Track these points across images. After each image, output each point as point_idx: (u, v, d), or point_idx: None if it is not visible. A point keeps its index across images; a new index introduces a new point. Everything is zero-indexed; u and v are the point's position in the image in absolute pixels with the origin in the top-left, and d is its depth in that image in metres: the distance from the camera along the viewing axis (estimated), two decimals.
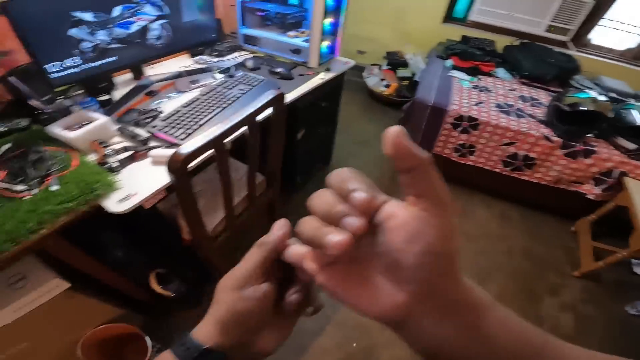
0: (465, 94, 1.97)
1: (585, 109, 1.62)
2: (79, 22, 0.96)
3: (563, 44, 2.54)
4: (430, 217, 0.19)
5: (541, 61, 2.25)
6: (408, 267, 0.20)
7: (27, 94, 0.95)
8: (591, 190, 1.76)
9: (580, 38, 2.53)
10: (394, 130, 0.19)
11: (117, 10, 1.05)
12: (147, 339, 1.11)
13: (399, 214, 0.20)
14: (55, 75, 0.96)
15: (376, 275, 0.22)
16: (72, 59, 0.99)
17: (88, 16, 0.98)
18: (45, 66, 0.93)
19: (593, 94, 1.68)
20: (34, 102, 0.97)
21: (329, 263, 0.23)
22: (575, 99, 1.68)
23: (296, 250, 0.26)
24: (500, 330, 0.21)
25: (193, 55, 1.57)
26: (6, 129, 0.95)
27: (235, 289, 0.28)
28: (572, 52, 2.47)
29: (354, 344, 1.38)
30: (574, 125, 1.68)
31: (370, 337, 1.41)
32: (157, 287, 1.19)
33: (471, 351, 0.21)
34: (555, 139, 1.70)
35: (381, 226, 0.21)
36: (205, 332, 0.28)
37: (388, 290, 0.21)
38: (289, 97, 1.30)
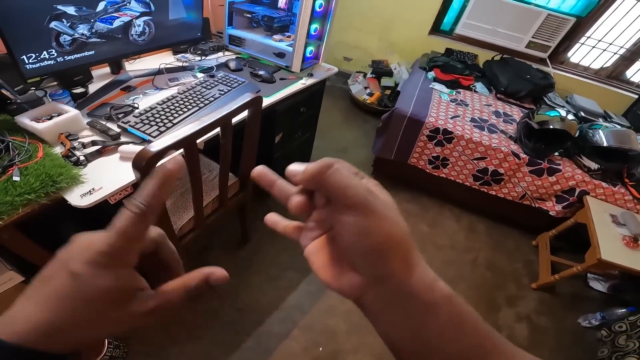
0: (443, 107, 2.03)
1: (552, 127, 1.69)
2: (61, 16, 0.95)
3: (541, 61, 2.64)
4: (361, 222, 0.22)
5: (517, 77, 2.34)
6: (355, 260, 0.23)
7: None
8: (553, 207, 1.85)
9: (558, 55, 2.63)
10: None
11: (101, 5, 1.04)
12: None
13: (338, 222, 0.23)
14: (30, 66, 0.94)
15: (343, 255, 0.25)
16: (48, 51, 0.97)
17: (71, 10, 0.97)
18: (21, 57, 0.92)
19: (562, 112, 1.76)
20: (4, 92, 0.96)
21: (313, 237, 0.27)
22: (545, 117, 1.76)
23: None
24: (448, 331, 0.22)
25: (175, 53, 1.56)
26: None
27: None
28: (549, 69, 2.57)
29: (320, 348, 1.40)
30: (541, 142, 1.75)
31: (336, 342, 1.43)
32: None
33: (414, 347, 0.23)
34: (523, 155, 1.78)
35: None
36: (25, 325, 0.20)
37: (349, 270, 0.24)
38: (269, 100, 1.32)
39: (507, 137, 1.89)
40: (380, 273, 0.22)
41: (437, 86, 2.26)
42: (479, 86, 2.39)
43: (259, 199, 1.86)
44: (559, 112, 1.76)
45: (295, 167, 0.25)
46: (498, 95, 2.35)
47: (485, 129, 1.91)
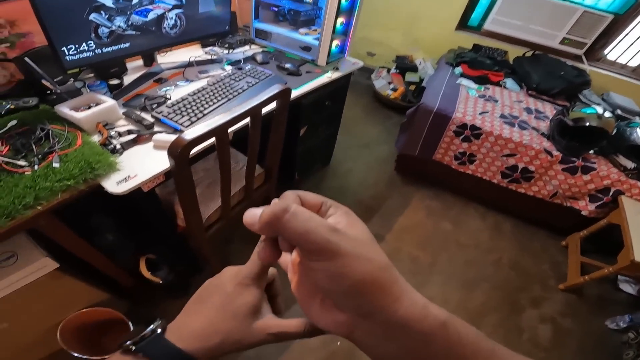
0: (470, 103, 1.97)
1: (589, 124, 1.62)
2: (100, 8, 0.98)
3: (576, 58, 2.53)
4: (330, 266, 0.21)
5: (550, 74, 2.25)
6: (337, 301, 0.23)
7: (39, 74, 0.98)
8: (586, 207, 1.77)
9: (594, 52, 2.51)
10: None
11: None
12: (130, 325, 1.11)
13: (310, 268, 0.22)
14: (69, 58, 0.98)
15: (325, 295, 0.24)
16: (87, 43, 1.01)
17: (109, 2, 0.99)
18: (62, 49, 0.95)
19: (599, 109, 1.68)
20: (45, 83, 1.00)
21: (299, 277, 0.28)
22: (581, 114, 1.68)
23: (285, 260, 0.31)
24: (446, 358, 0.21)
25: (204, 46, 1.59)
26: (13, 106, 0.97)
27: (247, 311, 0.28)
28: (585, 66, 2.46)
29: (338, 343, 1.39)
30: (576, 140, 1.68)
31: None
32: (146, 273, 1.20)
33: None
34: (556, 153, 1.71)
35: None
36: (185, 337, 0.27)
37: (332, 309, 0.24)
38: (295, 93, 1.32)
39: (539, 134, 1.82)
40: (365, 311, 0.21)
41: (465, 82, 2.20)
42: (509, 82, 2.31)
43: (282, 190, 1.87)
44: (595, 110, 1.68)
45: (251, 216, 0.23)
46: (529, 92, 2.26)
47: (516, 126, 1.84)
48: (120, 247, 1.16)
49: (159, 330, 0.27)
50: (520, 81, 2.36)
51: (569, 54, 2.52)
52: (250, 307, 0.28)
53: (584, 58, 2.49)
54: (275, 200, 0.22)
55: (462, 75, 2.28)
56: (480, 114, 1.88)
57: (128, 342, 0.26)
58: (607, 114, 1.67)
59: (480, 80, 2.25)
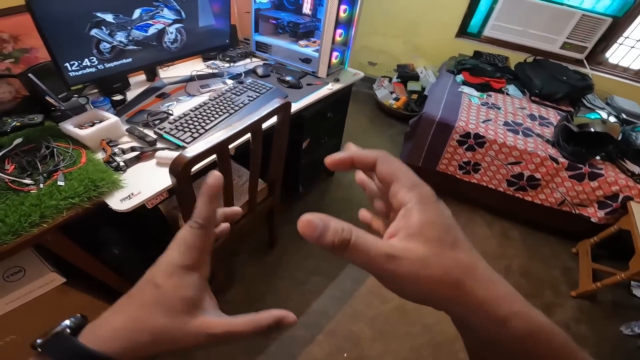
0: (473, 111, 1.96)
1: (594, 130, 1.60)
2: (101, 23, 0.99)
3: (578, 62, 2.52)
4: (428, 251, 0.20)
5: (553, 79, 2.24)
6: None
7: (43, 90, 0.99)
8: (595, 214, 1.75)
9: (595, 56, 2.50)
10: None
11: (137, 13, 1.08)
12: None
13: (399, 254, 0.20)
14: (73, 74, 0.99)
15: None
16: (90, 59, 1.02)
17: (109, 17, 1.01)
18: (64, 64, 0.96)
19: (603, 114, 1.67)
20: (49, 99, 1.01)
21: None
22: (585, 120, 1.67)
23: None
24: (520, 346, 0.20)
25: (205, 60, 1.61)
26: (19, 124, 0.98)
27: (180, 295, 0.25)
28: (586, 70, 2.45)
29: (345, 354, 1.37)
30: (581, 146, 1.66)
31: (360, 348, 1.40)
32: None
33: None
34: (562, 160, 1.69)
35: None
36: (102, 336, 0.24)
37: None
38: (296, 106, 1.32)
39: (543, 140, 1.81)
40: (445, 308, 0.21)
41: (467, 89, 2.20)
42: (512, 89, 2.31)
43: (285, 204, 1.87)
44: (599, 114, 1.67)
45: (309, 230, 0.20)
46: (532, 98, 2.25)
47: (520, 133, 1.83)
48: (126, 261, 1.15)
49: (67, 331, 0.25)
50: (522, 87, 2.36)
51: (570, 58, 2.52)
52: (186, 302, 0.25)
53: (585, 62, 2.48)
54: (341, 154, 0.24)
55: (464, 82, 2.28)
56: (483, 122, 1.87)
57: (39, 341, 0.25)
58: (612, 119, 1.66)
59: (483, 88, 2.25)
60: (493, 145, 1.79)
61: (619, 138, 1.67)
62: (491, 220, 2.09)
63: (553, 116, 2.08)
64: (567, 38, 2.43)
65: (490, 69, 2.38)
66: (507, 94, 2.27)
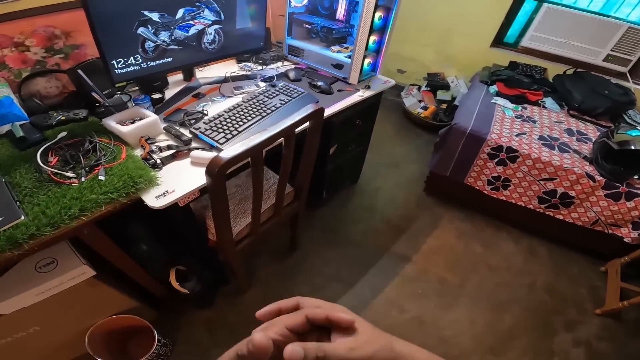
0: (507, 123, 1.90)
1: (634, 148, 1.51)
2: (147, 22, 1.03)
3: (620, 75, 2.39)
4: None
5: (594, 93, 2.13)
6: None
7: (90, 87, 1.03)
8: (629, 235, 1.66)
9: (639, 70, 2.37)
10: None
11: (180, 13, 1.12)
12: (155, 333, 1.13)
13: None
14: (118, 71, 1.03)
15: None
16: (135, 57, 1.06)
17: (155, 16, 1.04)
18: (112, 62, 1.00)
19: None
20: (95, 95, 1.05)
21: None
22: (626, 137, 1.57)
23: None
24: None
25: (239, 62, 1.64)
26: (64, 118, 1.03)
27: None
28: (629, 84, 2.32)
29: None
30: (621, 164, 1.57)
31: None
32: (175, 283, 1.22)
33: None
34: (599, 178, 1.60)
35: None
36: None
37: None
38: (327, 112, 1.31)
39: (580, 157, 1.72)
40: None
41: (501, 101, 2.13)
42: (549, 102, 2.21)
43: (309, 208, 1.87)
44: None
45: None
46: (571, 112, 2.15)
47: (556, 148, 1.75)
48: (154, 257, 1.19)
49: None
50: (560, 100, 2.25)
51: (612, 71, 2.39)
52: None
53: (628, 75, 2.36)
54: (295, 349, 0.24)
55: (498, 94, 2.21)
56: (517, 135, 1.80)
57: None
58: None
59: (517, 100, 2.17)
60: (526, 160, 1.72)
61: None
62: (518, 236, 2.01)
63: (592, 132, 1.98)
64: (612, 50, 2.32)
65: (526, 81, 2.29)
66: (544, 106, 2.18)
